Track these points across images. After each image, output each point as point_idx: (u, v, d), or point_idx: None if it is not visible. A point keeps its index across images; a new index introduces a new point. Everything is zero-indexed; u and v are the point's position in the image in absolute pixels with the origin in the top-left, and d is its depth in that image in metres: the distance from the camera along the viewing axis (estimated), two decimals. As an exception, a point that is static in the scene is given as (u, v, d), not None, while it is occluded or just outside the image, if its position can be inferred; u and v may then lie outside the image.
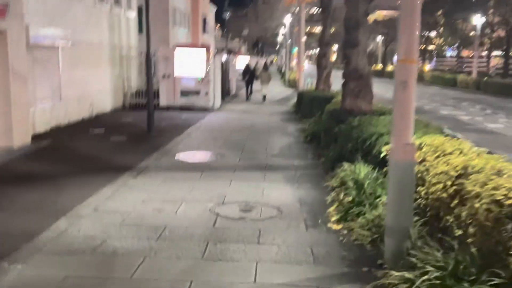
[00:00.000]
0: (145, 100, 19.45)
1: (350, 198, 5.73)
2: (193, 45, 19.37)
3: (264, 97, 24.14)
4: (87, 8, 15.85)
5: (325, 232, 5.20)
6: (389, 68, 76.34)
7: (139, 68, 20.61)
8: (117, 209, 5.83)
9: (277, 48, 74.37)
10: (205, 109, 18.47)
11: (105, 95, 17.66)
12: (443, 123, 13.61)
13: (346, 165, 6.69)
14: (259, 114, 17.85)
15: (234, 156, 9.40)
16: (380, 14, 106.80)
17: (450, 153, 4.95)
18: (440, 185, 4.48)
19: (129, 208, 5.85)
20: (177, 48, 18.39)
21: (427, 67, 64.73)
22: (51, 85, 13.27)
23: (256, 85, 27.09)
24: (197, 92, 18.51)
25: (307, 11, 34.28)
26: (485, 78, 39.15)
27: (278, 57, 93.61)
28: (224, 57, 27.39)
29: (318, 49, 17.10)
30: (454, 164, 4.54)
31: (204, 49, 18.36)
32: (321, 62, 16.78)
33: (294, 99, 26.00)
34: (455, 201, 4.37)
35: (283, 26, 54.24)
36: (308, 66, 48.13)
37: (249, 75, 25.44)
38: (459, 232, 4.33)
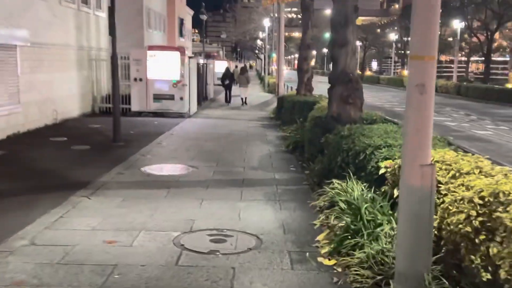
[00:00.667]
0: (121, 104, 18.46)
1: (343, 224, 4.78)
2: (166, 47, 18.26)
3: (244, 100, 23.83)
4: (50, 7, 14.65)
5: (314, 270, 4.21)
6: (368, 73, 76.31)
7: (107, 71, 19.42)
8: (59, 240, 4.75)
9: (256, 53, 73.55)
10: (180, 115, 17.40)
11: (72, 99, 16.45)
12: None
13: (335, 182, 5.75)
14: (237, 120, 16.85)
15: (208, 169, 8.37)
16: (358, 20, 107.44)
17: (468, 173, 4.04)
18: (462, 216, 3.55)
19: (74, 240, 4.77)
20: (149, 50, 17.29)
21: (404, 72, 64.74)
22: (7, 89, 12.06)
23: (235, 89, 26.17)
24: (171, 97, 17.42)
25: (286, 15, 33.54)
26: (466, 83, 38.92)
27: (257, 62, 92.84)
28: (201, 60, 26.35)
29: (298, 52, 16.22)
30: (477, 188, 3.61)
31: (178, 52, 17.30)
32: (302, 65, 15.88)
33: (274, 104, 25.11)
34: (482, 237, 3.44)
35: (261, 31, 53.49)
36: (286, 71, 47.35)
37: (229, 79, 24.78)
38: (487, 276, 3.41)
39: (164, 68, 17.31)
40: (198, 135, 12.80)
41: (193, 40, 65.82)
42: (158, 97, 17.42)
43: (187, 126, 14.67)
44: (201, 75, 23.18)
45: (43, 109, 14.03)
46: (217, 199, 6.41)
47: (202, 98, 23.99)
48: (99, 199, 6.28)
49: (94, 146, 10.80)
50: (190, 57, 19.99)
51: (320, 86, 16.40)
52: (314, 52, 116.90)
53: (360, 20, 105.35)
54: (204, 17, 32.31)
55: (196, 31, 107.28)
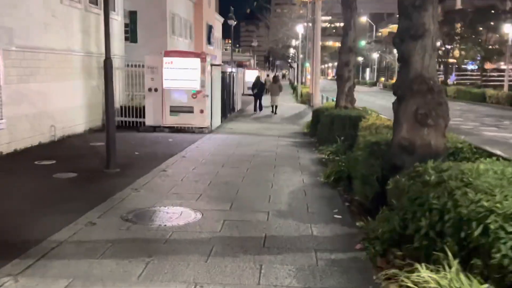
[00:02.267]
0: (132, 118, 16.35)
1: None
2: (185, 52, 16.05)
3: (274, 108, 23.56)
4: (47, 6, 12.62)
5: None
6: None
7: (125, 81, 17.35)
8: None
9: (288, 62, 71.21)
10: (201, 130, 15.11)
11: (76, 113, 14.37)
12: (501, 149, 10.09)
13: (423, 270, 3.24)
14: (265, 137, 14.41)
15: (217, 215, 5.94)
16: (394, 27, 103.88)
17: None
18: None
19: None
20: (166, 57, 15.09)
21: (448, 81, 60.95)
22: (-15, 102, 10.01)
23: (266, 98, 24.76)
24: (190, 109, 15.16)
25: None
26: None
27: (289, 71, 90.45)
28: (229, 69, 24.13)
29: (338, 57, 13.71)
30: None
31: (198, 58, 15.03)
32: (342, 72, 13.34)
33: (307, 117, 22.61)
34: None
35: (294, 39, 51.10)
36: (320, 81, 44.51)
37: (258, 88, 24.05)
38: None
39: (182, 76, 15.09)
40: (215, 157, 10.41)
41: (225, 50, 64.03)
42: (175, 110, 15.19)
43: (205, 145, 12.31)
44: (227, 84, 20.91)
45: (36, 124, 11.94)
46: (220, 281, 3.96)
47: (229, 109, 21.72)
48: (29, 284, 3.91)
49: (82, 173, 8.55)
50: (213, 65, 17.74)
51: (360, 97, 13.77)
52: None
53: (395, 27, 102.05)
54: (232, 22, 30.19)
55: (229, 41, 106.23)
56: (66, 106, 13.51)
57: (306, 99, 32.41)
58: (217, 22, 44.09)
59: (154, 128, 15.23)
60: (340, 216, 5.93)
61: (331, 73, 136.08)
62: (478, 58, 55.73)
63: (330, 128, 11.87)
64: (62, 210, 6.16)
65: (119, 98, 16.92)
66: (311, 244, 4.90)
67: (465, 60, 60.50)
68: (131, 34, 24.81)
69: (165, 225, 5.51)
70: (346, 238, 5.10)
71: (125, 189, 7.22)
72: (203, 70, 15.03)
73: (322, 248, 4.79)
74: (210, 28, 36.27)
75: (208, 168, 9.05)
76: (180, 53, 15.48)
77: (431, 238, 3.60)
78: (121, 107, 16.50)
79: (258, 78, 25.59)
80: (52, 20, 12.81)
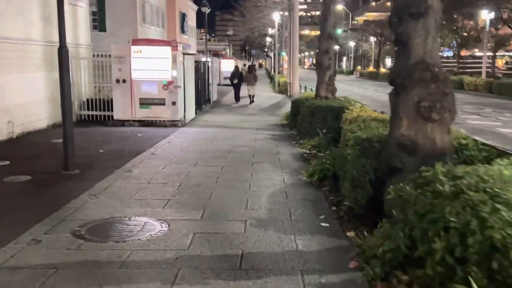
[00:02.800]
0: (100, 112, 15.33)
1: None
2: (154, 40, 15.08)
3: (251, 97, 23.38)
4: (2, -10, 11.52)
5: None
6: (382, 70, 72.50)
7: (92, 72, 16.29)
8: None
9: (265, 51, 70.27)
10: (173, 124, 14.22)
11: (38, 107, 13.31)
12: (488, 138, 9.49)
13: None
14: (242, 129, 13.60)
15: (186, 228, 5.11)
16: (370, 15, 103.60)
17: None
18: None
19: None
20: (134, 45, 14.09)
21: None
22: None
23: (243, 88, 24.48)
24: (161, 102, 14.23)
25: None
26: (497, 80, 35.31)
27: (266, 60, 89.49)
28: (203, 58, 23.18)
29: (318, 44, 12.94)
30: None
31: (169, 47, 14.08)
32: (322, 60, 12.58)
33: (286, 107, 21.86)
34: None
35: (270, 27, 50.18)
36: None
37: (238, 78, 24.01)
38: None
39: (152, 66, 14.13)
40: (188, 154, 9.56)
41: (200, 39, 62.67)
42: (145, 102, 14.25)
43: (177, 140, 11.44)
44: (202, 74, 19.98)
45: (-10, 121, 10.91)
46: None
47: (204, 101, 20.81)
48: None
49: (37, 176, 7.62)
50: (186, 54, 16.79)
51: (338, 86, 13.09)
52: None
53: (371, 16, 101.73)
54: (206, 9, 29.15)
55: (204, 31, 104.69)
56: (26, 100, 12.45)
57: (283, 89, 31.66)
58: (191, 10, 42.86)
59: (123, 122, 14.27)
60: (327, 224, 5.17)
61: (308, 62, 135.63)
62: (454, 45, 55.72)
63: (311, 120, 11.14)
64: (4, 223, 5.27)
65: (86, 90, 15.92)
66: (297, 263, 4.12)
67: (441, 48, 60.50)
68: (99, 22, 23.64)
69: (124, 241, 4.67)
70: (337, 253, 4.35)
71: (82, 195, 6.34)
72: (174, 60, 14.10)
73: (309, 268, 4.02)
74: (183, 16, 35.10)
75: (179, 168, 8.20)
76: (149, 41, 14.51)
77: (448, 264, 2.86)
78: (87, 100, 15.50)
79: (237, 68, 25.42)
80: (6, 6, 11.71)
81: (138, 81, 14.16)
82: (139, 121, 14.27)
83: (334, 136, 10.16)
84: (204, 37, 59.15)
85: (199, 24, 56.72)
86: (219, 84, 34.04)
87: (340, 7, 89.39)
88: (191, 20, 43.19)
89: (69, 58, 7.85)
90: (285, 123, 15.08)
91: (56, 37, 14.46)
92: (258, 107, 21.42)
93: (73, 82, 15.29)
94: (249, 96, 23.52)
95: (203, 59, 22.54)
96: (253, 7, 50.35)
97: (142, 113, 14.27)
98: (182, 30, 34.91)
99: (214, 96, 24.13)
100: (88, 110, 15.33)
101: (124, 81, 14.18)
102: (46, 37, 13.78)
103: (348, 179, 5.09)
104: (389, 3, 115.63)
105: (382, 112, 8.47)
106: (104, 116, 15.06)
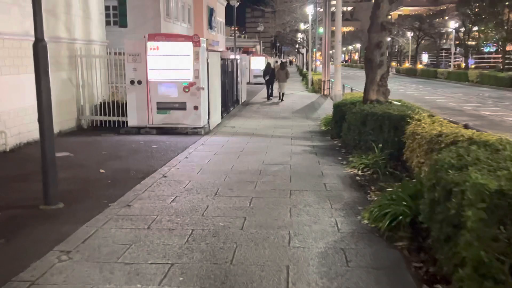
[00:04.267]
0: (114, 117, 13.51)
1: None
2: (174, 35, 13.13)
3: (282, 95, 22.85)
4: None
5: None
6: (418, 66, 69.05)
7: (107, 71, 14.51)
8: None
9: (296, 47, 67.83)
10: (195, 131, 12.28)
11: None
12: None
13: None
14: (274, 138, 11.53)
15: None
16: (405, 9, 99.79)
17: None
18: None
19: None
20: (150, 41, 12.18)
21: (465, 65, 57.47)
22: None
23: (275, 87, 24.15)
24: (181, 106, 12.30)
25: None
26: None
27: (297, 57, 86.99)
28: (231, 55, 21.24)
29: (368, 37, 10.73)
30: None
31: (190, 42, 12.11)
32: (372, 56, 10.36)
33: (322, 108, 19.75)
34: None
35: (303, 22, 47.88)
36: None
37: (270, 75, 23.72)
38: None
39: (171, 65, 12.22)
40: (208, 176, 7.54)
41: (230, 36, 60.78)
42: (163, 107, 12.34)
43: (197, 155, 9.44)
44: (229, 73, 18.01)
45: (-24, 132, 9.17)
46: None
47: (232, 102, 18.88)
48: None
49: (6, 211, 5.75)
50: (211, 51, 14.85)
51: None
52: (358, 45, 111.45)
53: (407, 10, 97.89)
54: (235, 2, 27.16)
55: (234, 28, 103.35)
56: (23, 106, 10.67)
57: (317, 87, 29.48)
58: (220, 5, 40.95)
59: (138, 130, 12.40)
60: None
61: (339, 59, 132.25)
62: (499, 40, 52.10)
63: (361, 130, 8.99)
64: None
65: (99, 92, 14.15)
66: None
67: (484, 42, 56.93)
68: (120, 17, 21.97)
69: None
70: None
71: (49, 254, 4.39)
72: (196, 57, 12.13)
73: None
74: (211, 11, 33.18)
75: (193, 200, 6.18)
76: (167, 36, 12.56)
77: None
78: (101, 103, 13.70)
79: (269, 65, 25.00)
80: (-3, -5, 9.96)
81: (155, 82, 12.26)
82: (156, 128, 12.38)
83: (394, 152, 8.02)
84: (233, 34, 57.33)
85: (229, 21, 54.77)
86: (248, 83, 32.12)
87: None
88: (220, 16, 41.32)
89: (47, 55, 5.87)
90: (325, 130, 12.95)
91: (61, 32, 12.73)
92: (291, 109, 19.31)
93: (84, 84, 13.58)
94: (279, 94, 22.99)
95: (232, 56, 20.59)
96: (285, 2, 48.17)
97: (159, 119, 12.37)
98: (210, 26, 33.01)
99: (243, 97, 22.16)
100: (102, 114, 13.54)
101: (139, 82, 12.30)
102: (49, 32, 11.99)
103: (471, 264, 2.94)
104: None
105: (467, 126, 6.25)
106: (118, 122, 13.24)
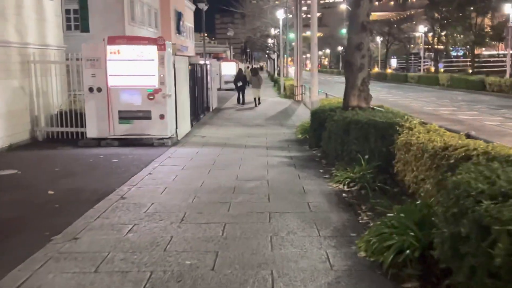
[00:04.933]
0: (72, 128, 12.33)
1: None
2: (136, 38, 12.08)
3: (257, 100, 22.69)
4: None
5: None
6: (387, 70, 69.30)
7: (63, 77, 13.34)
8: None
9: (267, 53, 67.26)
10: (161, 142, 11.24)
11: (-15, 125, 10.37)
12: None
13: None
14: (249, 149, 10.62)
15: None
16: (374, 14, 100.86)
17: None
18: None
19: None
20: (110, 44, 11.12)
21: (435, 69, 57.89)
22: None
23: (248, 91, 24.25)
24: (146, 115, 11.27)
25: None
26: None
27: (268, 63, 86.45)
28: (200, 61, 20.27)
29: (347, 37, 9.95)
30: None
31: (155, 46, 11.11)
32: (352, 59, 9.55)
33: (296, 115, 18.96)
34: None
35: (273, 27, 47.23)
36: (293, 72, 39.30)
37: (242, 81, 23.74)
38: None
39: (134, 70, 11.19)
40: (173, 197, 6.55)
41: (199, 41, 59.67)
42: (126, 116, 11.29)
43: (163, 170, 8.43)
44: (199, 79, 17.03)
45: None
46: None
47: (202, 109, 17.90)
48: None
49: None
50: (178, 55, 13.87)
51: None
52: (328, 50, 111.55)
53: (375, 15, 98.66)
54: (203, 5, 26.20)
55: (204, 34, 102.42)
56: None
57: (290, 93, 28.76)
58: (188, 10, 39.89)
59: (98, 142, 11.29)
60: None
61: (308, 64, 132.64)
62: (467, 43, 52.59)
63: (344, 140, 8.16)
64: None
65: (57, 101, 12.93)
66: None
67: (453, 46, 57.48)
68: (81, 21, 20.74)
69: None
70: None
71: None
72: (162, 61, 11.13)
73: None
74: (179, 16, 32.12)
75: (155, 229, 5.19)
76: (129, 39, 11.51)
77: None
78: (59, 113, 12.50)
79: (240, 71, 25.01)
80: None
81: (117, 89, 11.21)
82: (119, 139, 11.29)
83: (382, 164, 7.20)
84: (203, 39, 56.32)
85: (198, 27, 53.63)
86: (219, 89, 31.17)
87: (342, 6, 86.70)
88: (189, 21, 40.25)
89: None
90: (302, 139, 12.10)
91: (10, 36, 11.44)
92: (264, 116, 18.45)
93: (38, 92, 12.39)
94: (255, 99, 22.79)
95: (201, 61, 19.62)
96: (255, 7, 47.48)
97: (122, 130, 11.30)
98: (178, 31, 31.95)
99: (214, 104, 21.19)
100: (60, 125, 12.34)
101: (99, 89, 11.23)
102: (-3, 36, 10.85)
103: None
104: (392, 2, 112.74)
105: (470, 135, 5.46)
106: (77, 133, 12.09)
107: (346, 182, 7.04)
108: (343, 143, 8.20)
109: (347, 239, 4.79)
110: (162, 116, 11.24)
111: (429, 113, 19.99)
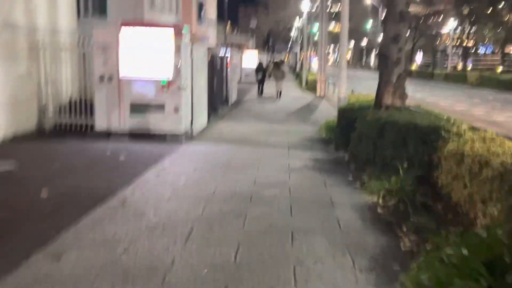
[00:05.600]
0: (82, 119, 11.59)
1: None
2: (152, 24, 11.18)
3: (279, 93, 22.83)
4: None
5: None
6: (413, 67, 67.47)
7: (76, 65, 12.57)
8: None
9: (289, 45, 65.99)
10: (175, 138, 10.40)
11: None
12: None
13: None
14: (268, 148, 9.71)
15: None
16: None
17: None
18: None
19: None
20: (124, 28, 10.29)
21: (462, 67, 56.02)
22: None
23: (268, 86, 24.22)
24: (159, 108, 10.43)
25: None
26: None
27: (290, 55, 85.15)
28: (221, 51, 19.40)
29: (383, 29, 8.94)
30: None
31: (171, 30, 10.25)
32: (389, 51, 8.54)
33: (319, 110, 18.00)
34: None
35: (297, 17, 46.05)
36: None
37: (262, 73, 24.13)
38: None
39: (148, 59, 10.35)
40: (180, 204, 5.69)
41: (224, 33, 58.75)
42: (137, 108, 10.46)
43: (172, 170, 7.58)
44: (218, 70, 16.15)
45: None
46: None
47: (220, 102, 17.02)
48: None
49: None
50: (196, 43, 12.97)
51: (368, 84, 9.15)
52: (351, 44, 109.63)
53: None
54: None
55: (227, 20, 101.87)
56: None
57: (312, 87, 27.74)
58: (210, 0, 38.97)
59: (107, 135, 10.50)
60: None
61: (331, 58, 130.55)
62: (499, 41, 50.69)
63: (377, 143, 7.21)
64: None
65: (68, 89, 12.19)
66: None
67: (482, 44, 55.53)
68: (99, 7, 19.96)
69: None
70: None
71: None
72: (178, 50, 10.26)
73: None
74: (201, 5, 31.25)
75: (153, 249, 4.32)
76: (144, 25, 10.64)
77: None
78: (69, 103, 11.74)
79: (260, 63, 25.48)
80: None
81: (129, 80, 10.38)
82: (129, 134, 10.48)
83: (423, 174, 6.22)
84: (224, 27, 55.29)
85: (221, 18, 52.72)
86: (239, 82, 30.30)
87: (368, 1, 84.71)
88: (211, 11, 39.34)
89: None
90: (326, 138, 11.14)
91: (18, 18, 10.63)
92: (286, 110, 17.52)
93: (47, 80, 11.64)
94: (277, 92, 22.99)
95: (222, 51, 18.74)
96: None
97: (133, 123, 10.48)
98: (200, 20, 31.07)
99: (233, 96, 20.28)
100: (69, 117, 11.59)
101: (110, 79, 10.42)
102: (3, 20, 10.09)
103: None
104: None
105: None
106: (86, 125, 11.33)
107: (381, 195, 6.08)
108: (376, 146, 7.25)
109: (389, 273, 3.86)
110: (176, 110, 10.39)
111: (461, 113, 18.80)
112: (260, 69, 24.49)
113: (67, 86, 12.17)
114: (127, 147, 9.44)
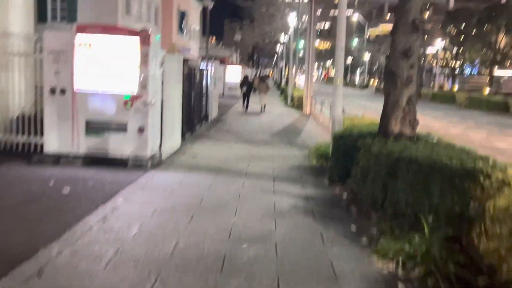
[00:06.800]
0: (33, 137, 9.81)
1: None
2: (113, 29, 9.49)
3: (264, 107, 23.18)
4: None
5: None
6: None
7: (30, 73, 10.80)
8: None
9: (274, 60, 64.83)
10: (139, 163, 8.71)
11: None
12: None
13: None
14: (250, 179, 8.08)
15: None
16: (385, 26, 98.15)
17: None
18: None
19: None
20: (80, 34, 8.63)
21: (448, 87, 55.38)
22: None
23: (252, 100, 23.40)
24: (120, 127, 8.75)
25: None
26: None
27: (274, 71, 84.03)
28: (202, 63, 17.85)
29: (391, 40, 7.45)
30: None
31: (136, 40, 8.62)
32: (397, 68, 7.01)
33: (305, 130, 16.49)
34: None
35: (283, 34, 44.83)
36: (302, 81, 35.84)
37: (247, 87, 23.52)
38: None
39: (109, 69, 8.69)
40: (120, 279, 4.00)
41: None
42: (95, 128, 8.78)
43: (123, 215, 5.88)
44: (197, 84, 14.55)
45: None
46: None
47: (198, 120, 15.38)
48: None
49: None
50: (168, 54, 11.38)
51: (358, 102, 7.57)
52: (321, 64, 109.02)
53: (385, 29, 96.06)
54: (208, 2, 23.75)
55: (213, 39, 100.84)
56: None
57: (298, 104, 26.35)
58: (194, 10, 37.44)
59: (57, 158, 8.76)
60: None
61: (315, 75, 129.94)
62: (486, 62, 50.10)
63: (388, 183, 5.63)
64: None
65: (21, 101, 10.42)
66: None
67: (469, 64, 54.98)
68: (69, 12, 18.27)
69: None
70: None
71: None
72: (145, 60, 8.64)
73: None
74: (182, 15, 29.68)
75: None
76: (105, 29, 8.95)
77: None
78: (19, 117, 10.00)
79: (246, 77, 25.05)
80: None
81: (85, 94, 8.69)
82: (83, 157, 8.77)
83: (455, 233, 4.65)
84: (209, 43, 53.85)
85: (205, 31, 51.02)
86: (222, 96, 28.75)
87: (354, 18, 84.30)
88: (195, 22, 37.80)
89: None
90: (317, 166, 9.57)
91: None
92: (271, 129, 15.98)
93: (-7, 90, 9.88)
94: (261, 106, 23.27)
95: (203, 64, 17.19)
96: (265, 12, 45.08)
97: (89, 145, 8.78)
98: (181, 30, 29.50)
99: (213, 113, 18.66)
100: (16, 133, 9.85)
101: (62, 91, 8.74)
102: None
103: None
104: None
105: None
106: (36, 145, 9.60)
107: (400, 260, 4.49)
108: (386, 188, 5.67)
109: None
110: (141, 130, 8.73)
111: (457, 136, 17.43)
112: (245, 82, 24.01)
113: (19, 98, 10.41)
114: (78, 175, 7.72)
